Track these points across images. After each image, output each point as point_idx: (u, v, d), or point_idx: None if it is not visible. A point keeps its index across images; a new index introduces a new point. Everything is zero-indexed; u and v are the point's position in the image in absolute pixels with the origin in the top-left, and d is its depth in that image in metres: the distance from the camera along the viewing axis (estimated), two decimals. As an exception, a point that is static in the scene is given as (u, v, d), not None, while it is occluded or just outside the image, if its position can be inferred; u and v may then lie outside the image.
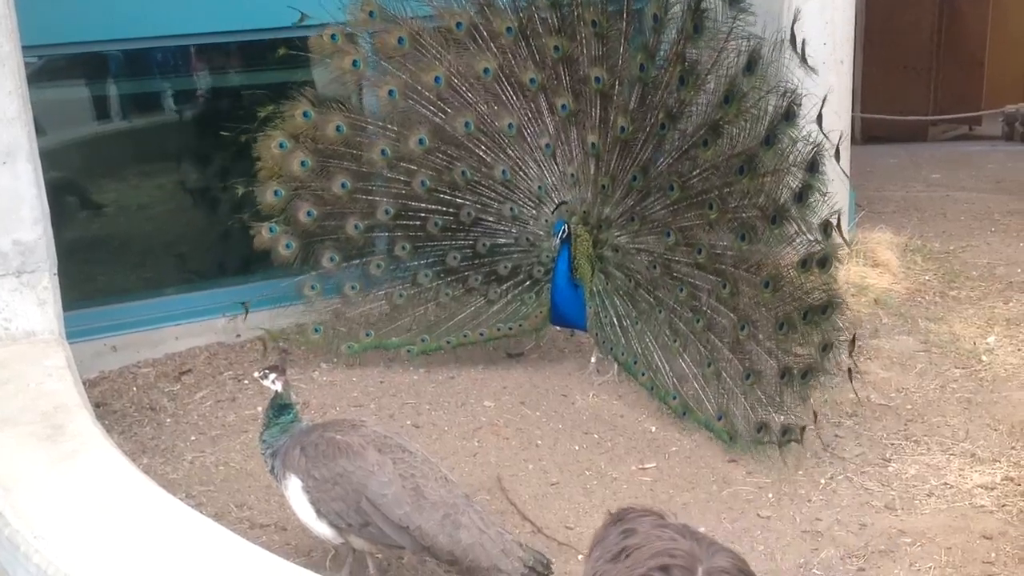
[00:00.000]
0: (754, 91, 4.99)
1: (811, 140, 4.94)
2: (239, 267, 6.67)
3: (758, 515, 4.64)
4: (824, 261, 4.93)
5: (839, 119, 7.17)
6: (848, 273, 7.04)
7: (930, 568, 4.17)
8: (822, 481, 4.87)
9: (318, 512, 3.71)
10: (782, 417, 4.87)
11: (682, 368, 5.25)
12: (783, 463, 4.96)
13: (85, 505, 3.42)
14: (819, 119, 4.98)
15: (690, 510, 4.67)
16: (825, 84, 6.95)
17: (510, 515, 4.61)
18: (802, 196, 4.94)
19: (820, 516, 4.61)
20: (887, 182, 9.78)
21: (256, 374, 4.10)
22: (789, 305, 4.92)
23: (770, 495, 4.77)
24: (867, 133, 13.09)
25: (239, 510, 4.56)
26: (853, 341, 4.97)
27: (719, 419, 5.04)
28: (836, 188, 7.07)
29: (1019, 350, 6.02)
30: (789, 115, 4.92)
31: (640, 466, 5.02)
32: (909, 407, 5.46)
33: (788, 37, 5.00)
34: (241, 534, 3.91)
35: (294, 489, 3.76)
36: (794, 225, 4.96)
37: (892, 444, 5.14)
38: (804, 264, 4.94)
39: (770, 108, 4.97)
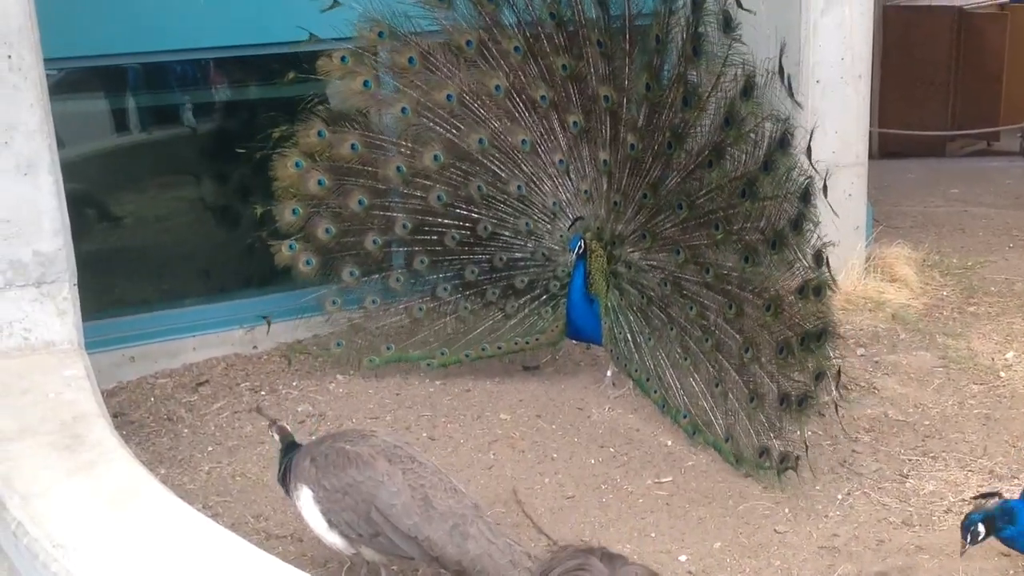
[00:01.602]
0: (751, 116, 5.01)
1: (804, 170, 4.95)
2: (256, 279, 6.70)
3: (775, 530, 4.62)
4: (819, 289, 4.92)
5: (857, 135, 7.18)
6: (866, 288, 7.03)
7: (948, 585, 4.15)
8: (839, 497, 4.85)
9: (329, 522, 3.74)
10: (780, 443, 4.84)
11: (692, 387, 5.24)
12: (800, 478, 4.94)
13: (103, 515, 3.44)
14: (808, 151, 4.99)
15: (706, 524, 4.66)
16: (842, 99, 7.00)
17: (526, 528, 4.61)
18: (797, 224, 4.93)
19: (837, 532, 4.59)
20: (905, 197, 9.74)
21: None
22: (788, 330, 4.91)
23: (787, 510, 4.75)
24: (885, 148, 13.05)
25: (256, 521, 4.58)
26: (839, 374, 4.92)
27: (726, 440, 5.03)
28: (851, 208, 7.14)
29: (1038, 366, 5.99)
30: (784, 143, 4.94)
31: (656, 480, 5.01)
32: (927, 423, 5.43)
33: (776, 68, 5.00)
34: (257, 545, 3.90)
35: (306, 500, 3.80)
36: (792, 252, 4.96)
37: (910, 460, 5.11)
38: (801, 291, 4.94)
39: (767, 134, 4.97)
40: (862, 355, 6.20)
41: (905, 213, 9.07)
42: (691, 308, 5.30)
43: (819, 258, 4.96)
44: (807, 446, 4.84)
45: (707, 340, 5.20)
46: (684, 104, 5.25)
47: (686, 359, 5.28)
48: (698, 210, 5.28)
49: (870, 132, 12.61)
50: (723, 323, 5.15)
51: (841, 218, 7.08)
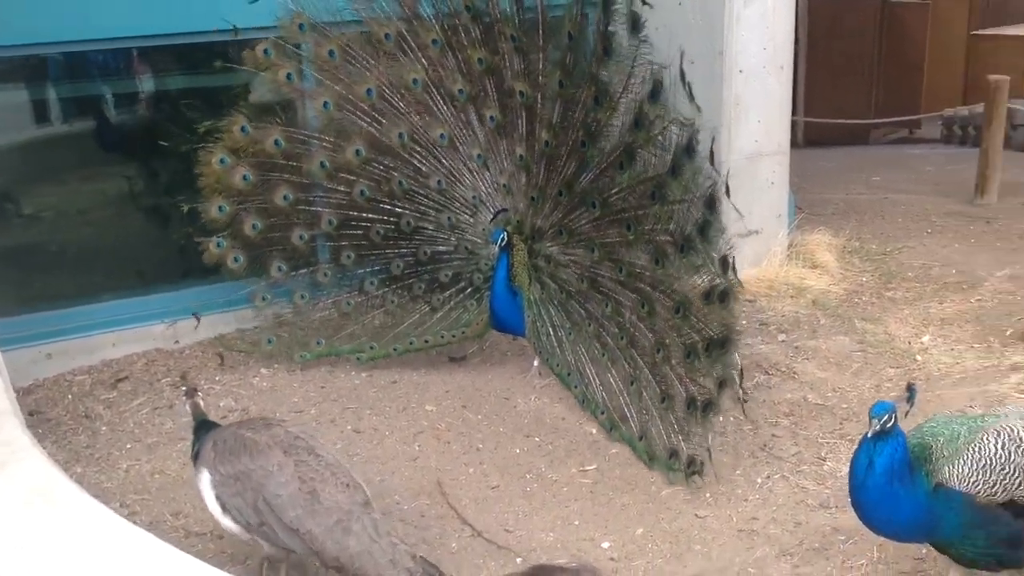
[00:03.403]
0: (659, 120, 5.05)
1: (708, 176, 4.99)
2: (178, 273, 6.60)
3: (696, 515, 4.67)
4: (724, 296, 4.97)
5: (780, 123, 7.28)
6: (788, 275, 7.14)
7: (862, 565, 4.22)
8: (759, 480, 4.91)
9: (223, 507, 3.77)
10: (688, 446, 4.89)
11: (610, 383, 5.28)
12: (721, 463, 5.01)
13: (14, 516, 3.36)
14: (711, 157, 5.03)
15: (629, 511, 4.70)
16: (765, 88, 7.10)
17: (450, 519, 4.61)
18: (704, 230, 4.98)
19: (756, 515, 4.65)
20: (828, 185, 9.92)
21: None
22: (695, 334, 4.96)
23: (708, 495, 4.81)
24: (810, 137, 13.27)
25: (174, 519, 4.53)
26: (741, 374, 4.98)
27: (641, 439, 5.07)
28: (774, 195, 7.25)
29: (952, 349, 6.12)
30: (689, 149, 4.98)
31: (581, 468, 5.04)
32: (845, 406, 5.53)
33: (678, 73, 5.03)
34: (176, 543, 3.88)
35: (204, 483, 3.82)
36: (700, 256, 5.02)
37: (828, 443, 5.19)
38: (708, 296, 4.99)
39: (674, 139, 5.01)
40: (783, 341, 6.30)
41: (828, 200, 9.23)
42: (607, 304, 5.34)
43: (725, 264, 5.00)
44: (710, 453, 4.85)
45: (622, 337, 5.24)
46: (596, 103, 5.29)
47: (604, 355, 5.33)
48: (611, 209, 5.32)
49: (796, 121, 12.85)
50: (637, 321, 5.19)
51: (763, 206, 7.23)
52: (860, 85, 13.60)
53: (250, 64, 5.68)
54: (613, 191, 5.27)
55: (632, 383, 5.16)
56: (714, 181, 4.98)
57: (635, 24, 5.13)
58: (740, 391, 4.96)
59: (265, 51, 5.65)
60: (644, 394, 5.09)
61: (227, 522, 3.78)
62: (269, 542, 3.76)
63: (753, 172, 7.15)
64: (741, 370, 5.00)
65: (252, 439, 3.78)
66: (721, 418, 5.40)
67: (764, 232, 7.24)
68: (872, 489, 3.43)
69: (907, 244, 7.96)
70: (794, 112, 13.14)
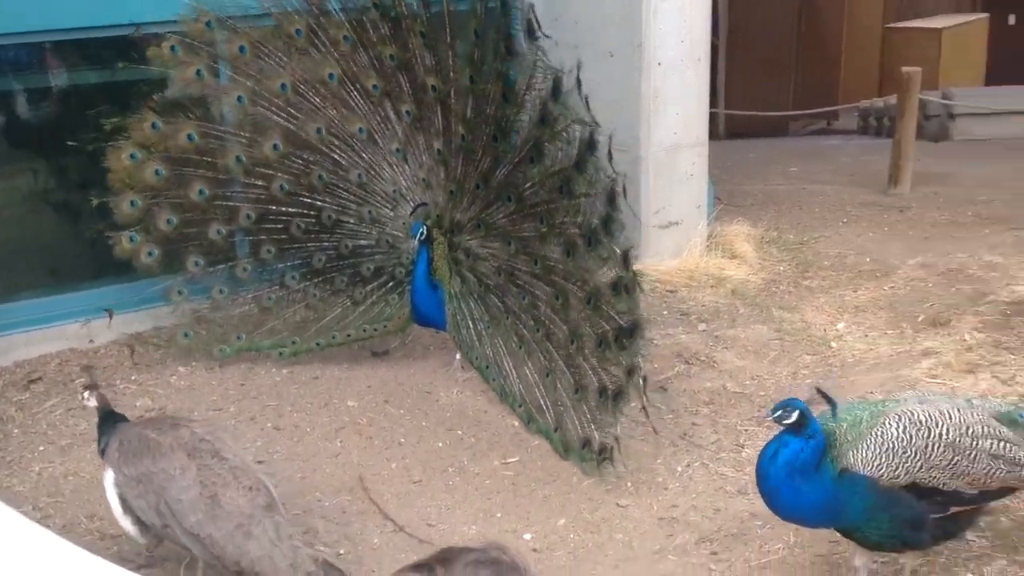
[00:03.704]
0: (562, 117, 5.10)
1: (609, 173, 5.04)
2: (93, 271, 6.46)
3: (617, 504, 4.71)
4: (629, 287, 5.03)
5: (698, 116, 7.37)
6: (707, 265, 7.24)
7: (779, 549, 4.29)
8: (679, 469, 4.97)
9: (125, 508, 3.76)
10: (600, 435, 4.93)
11: (527, 376, 5.31)
12: (642, 452, 5.06)
13: (-86, 523, 3.26)
14: (608, 155, 5.07)
15: (551, 502, 4.72)
16: (683, 81, 7.17)
17: (372, 515, 4.59)
18: (606, 224, 5.03)
19: (676, 503, 4.71)
20: (747, 176, 10.06)
21: (81, 398, 4.16)
22: (606, 324, 5.01)
23: (629, 484, 4.85)
24: (731, 129, 13.47)
25: (89, 521, 4.44)
26: (639, 377, 4.98)
27: (556, 430, 5.10)
28: (693, 187, 7.33)
29: (866, 336, 6.25)
30: (592, 144, 5.03)
31: (503, 461, 5.06)
32: (763, 394, 5.62)
33: (576, 82, 5.06)
34: (89, 546, 3.80)
35: (108, 482, 3.81)
36: (606, 249, 5.06)
37: (746, 430, 5.27)
38: (615, 287, 5.04)
39: (577, 136, 5.06)
40: (703, 330, 6.38)
41: (747, 191, 9.37)
42: (524, 297, 5.37)
43: (626, 259, 5.05)
44: (618, 440, 4.87)
45: (538, 329, 5.27)
46: (504, 99, 5.32)
47: (521, 347, 5.35)
48: (525, 203, 5.36)
49: (717, 113, 13.02)
50: (552, 313, 5.23)
51: (683, 197, 7.32)
52: (779, 77, 13.83)
53: (156, 61, 5.59)
54: (526, 185, 5.31)
55: (548, 375, 5.19)
56: (613, 177, 5.01)
57: (531, 32, 5.17)
58: (642, 380, 4.98)
59: (172, 48, 5.57)
60: (559, 385, 5.12)
61: (126, 523, 3.77)
62: (176, 545, 3.75)
63: (672, 164, 7.23)
64: (638, 364, 4.99)
65: (156, 440, 3.75)
66: (637, 407, 5.49)
67: (684, 223, 7.33)
68: (773, 480, 3.51)
69: (823, 234, 8.12)
70: (715, 104, 13.36)
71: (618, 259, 5.00)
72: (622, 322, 4.90)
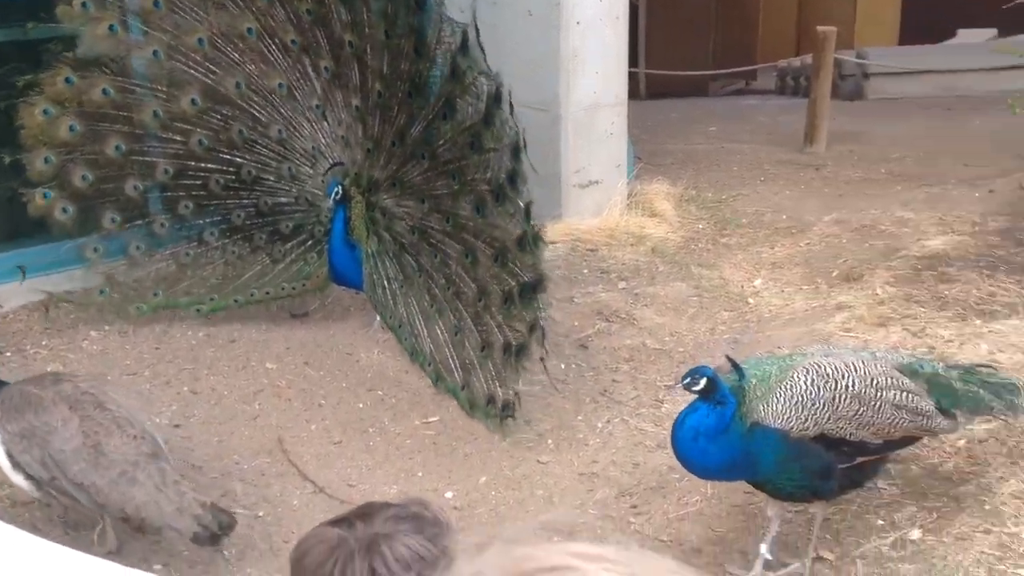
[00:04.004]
0: (470, 71, 5.08)
1: (513, 127, 5.05)
2: (5, 231, 6.26)
3: (538, 461, 4.75)
4: (535, 241, 5.04)
5: (617, 75, 7.37)
6: (628, 224, 7.28)
7: (696, 501, 4.38)
8: (599, 425, 5.03)
9: (14, 464, 3.78)
10: (503, 391, 4.95)
11: (438, 335, 5.31)
12: (563, 409, 5.10)
13: None
14: (510, 108, 5.05)
15: (472, 460, 4.75)
16: (602, 40, 7.16)
17: (291, 477, 4.58)
18: (512, 179, 5.04)
19: (597, 459, 4.76)
20: (667, 136, 10.12)
21: None
22: (512, 279, 5.03)
23: (549, 442, 4.89)
24: (652, 89, 13.51)
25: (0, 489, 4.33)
26: (540, 331, 5.01)
27: (463, 388, 5.11)
28: (613, 146, 7.35)
29: (782, 292, 6.36)
30: (498, 98, 5.02)
31: (424, 420, 5.06)
32: (681, 350, 5.69)
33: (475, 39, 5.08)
34: (2, 514, 3.76)
35: None
36: (512, 205, 5.08)
37: (665, 386, 5.34)
38: (520, 243, 5.06)
39: (485, 89, 5.05)
40: (623, 288, 6.42)
41: (667, 151, 9.43)
42: (436, 256, 5.36)
43: (527, 212, 5.06)
44: (518, 396, 4.90)
45: (449, 288, 5.28)
46: (417, 54, 5.27)
47: (433, 306, 5.35)
48: (438, 160, 5.34)
49: (638, 73, 13.05)
50: (462, 272, 5.23)
51: (603, 156, 7.33)
52: (698, 37, 13.88)
53: (66, 18, 5.41)
54: (439, 142, 5.29)
55: (457, 333, 5.20)
56: (516, 130, 5.01)
57: None
58: (542, 335, 5.01)
59: (83, 4, 5.40)
60: (467, 344, 5.13)
61: (18, 479, 3.80)
62: (66, 497, 3.77)
63: (592, 123, 7.23)
64: (539, 320, 5.02)
65: (37, 395, 3.79)
66: (563, 365, 5.53)
67: (604, 182, 7.34)
68: (681, 444, 3.59)
69: (741, 192, 8.21)
70: (636, 64, 13.39)
71: (520, 213, 5.00)
72: (526, 277, 4.92)
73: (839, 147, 9.52)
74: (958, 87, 11.77)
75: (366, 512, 1.78)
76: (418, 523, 1.75)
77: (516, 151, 5.02)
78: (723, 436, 3.49)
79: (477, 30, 5.05)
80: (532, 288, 4.95)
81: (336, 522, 1.77)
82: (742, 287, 6.45)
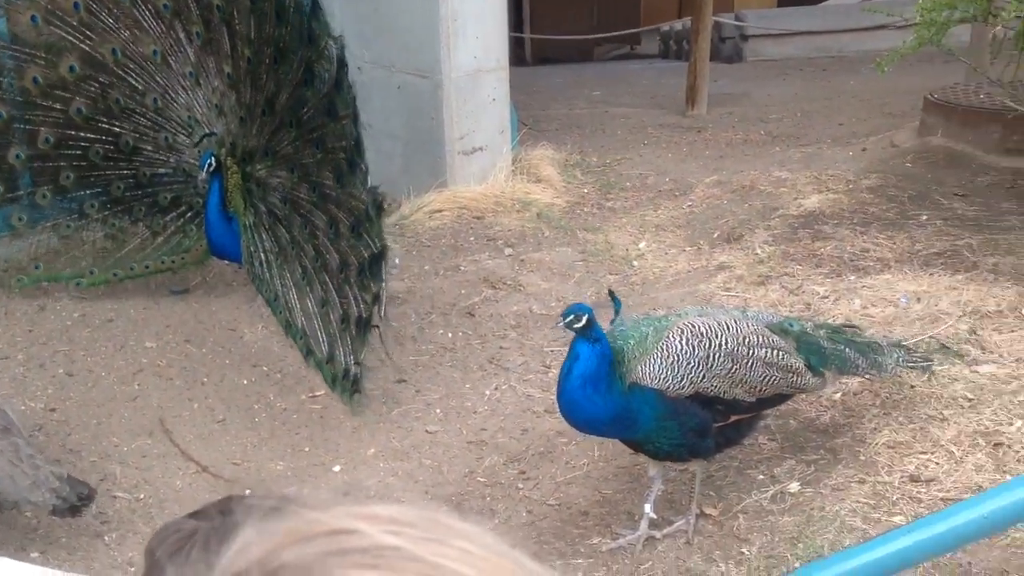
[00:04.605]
0: (322, 35, 5.00)
1: (353, 93, 4.98)
2: None
3: (426, 431, 4.74)
4: (378, 211, 5.01)
5: (498, 39, 7.34)
6: (513, 190, 7.28)
7: (584, 464, 4.42)
8: (487, 392, 5.04)
9: None
10: (356, 366, 4.89)
11: (309, 308, 5.23)
12: (452, 379, 5.10)
13: None
14: (345, 68, 4.98)
15: (360, 433, 4.72)
16: (481, 4, 7.12)
17: (173, 457, 4.48)
18: (358, 145, 4.99)
19: (485, 426, 4.77)
20: (552, 101, 10.15)
21: None
22: (365, 251, 4.99)
23: (438, 411, 4.89)
24: (538, 54, 13.54)
25: None
26: (381, 302, 4.99)
27: (328, 362, 5.02)
28: (496, 112, 7.33)
29: (666, 254, 6.45)
30: (342, 62, 4.96)
31: (310, 395, 5.01)
32: (568, 315, 5.72)
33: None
34: None
35: None
36: (359, 174, 5.03)
37: (552, 351, 5.36)
38: (368, 214, 5.02)
39: (335, 54, 4.99)
40: (509, 255, 6.44)
41: (552, 116, 9.46)
42: (306, 227, 5.28)
43: (364, 179, 5.01)
44: (361, 366, 4.83)
45: (318, 260, 5.21)
46: (278, 18, 5.18)
47: (304, 279, 5.27)
48: (304, 128, 5.25)
49: (524, 38, 13.06)
50: (328, 242, 5.17)
51: (487, 122, 7.31)
52: (583, 2, 13.94)
53: None
54: (304, 109, 5.21)
55: (323, 306, 5.13)
56: (354, 96, 4.96)
57: None
58: (383, 307, 4.98)
59: None
60: (331, 316, 5.07)
61: None
62: None
63: (474, 88, 7.20)
64: (381, 291, 4.98)
65: None
66: (451, 334, 5.53)
67: (488, 148, 7.33)
68: (569, 393, 3.59)
69: (625, 156, 8.29)
70: (521, 30, 13.38)
71: (361, 178, 4.97)
72: (375, 248, 4.89)
73: (720, 109, 9.68)
74: (832, 48, 12.07)
75: (226, 504, 1.75)
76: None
77: (356, 117, 4.95)
78: (608, 390, 3.52)
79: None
80: (375, 260, 4.91)
81: (194, 514, 1.74)
82: (627, 250, 6.52)
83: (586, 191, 7.52)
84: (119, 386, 4.96)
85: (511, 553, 0.66)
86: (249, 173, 5.49)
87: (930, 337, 4.66)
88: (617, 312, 3.73)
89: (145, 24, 5.52)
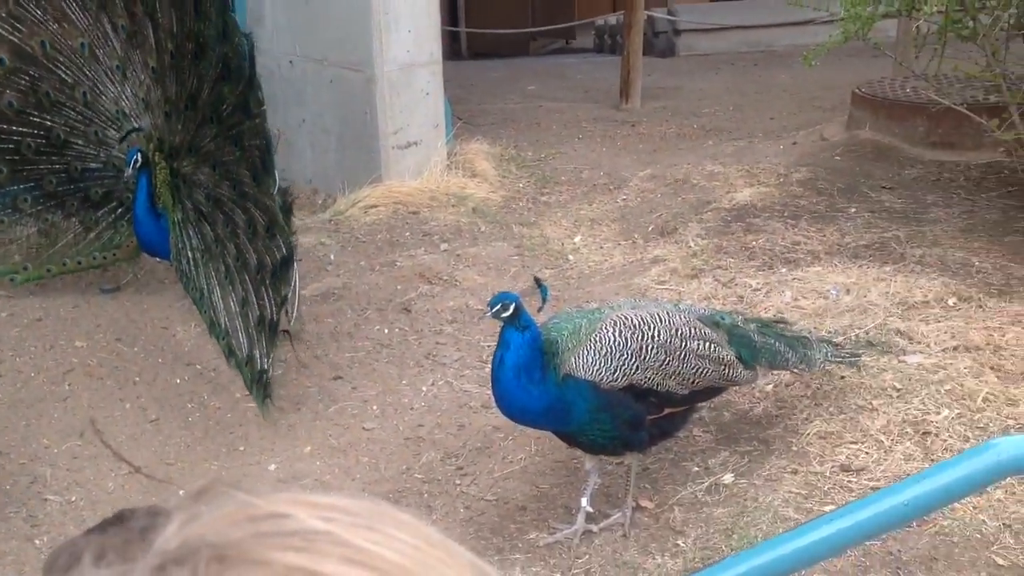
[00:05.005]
0: (235, 31, 4.98)
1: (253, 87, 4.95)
2: None
3: (363, 428, 4.73)
4: (288, 213, 4.98)
5: (430, 33, 7.32)
6: (448, 185, 7.28)
7: (521, 459, 4.44)
8: (424, 388, 5.03)
9: None
10: (270, 369, 4.84)
11: (231, 307, 5.18)
12: (388, 375, 5.09)
13: None
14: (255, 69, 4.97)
15: (296, 431, 4.69)
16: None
17: (105, 459, 4.43)
18: (268, 146, 4.96)
19: (422, 423, 4.77)
20: (487, 95, 10.14)
21: None
22: (278, 252, 4.94)
23: (375, 408, 4.88)
24: (473, 49, 13.49)
25: None
26: (286, 305, 4.98)
27: (247, 363, 4.95)
28: (430, 106, 7.31)
29: (601, 247, 6.49)
30: (251, 58, 4.93)
31: (246, 393, 4.94)
32: (502, 308, 5.74)
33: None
34: None
35: None
36: (271, 174, 4.98)
37: (488, 347, 5.31)
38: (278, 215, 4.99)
39: (247, 50, 4.94)
40: (445, 250, 6.43)
41: (487, 111, 9.46)
42: (227, 225, 5.23)
43: (273, 180, 4.98)
44: (267, 371, 4.77)
45: (239, 258, 5.16)
46: (196, 12, 5.14)
47: (227, 278, 5.22)
48: (224, 124, 5.22)
49: (460, 32, 13.03)
50: (247, 241, 5.12)
51: (421, 117, 7.29)
52: (518, -4, 13.90)
53: None
54: (223, 105, 5.18)
55: (243, 306, 5.08)
56: (260, 87, 4.95)
57: None
58: (293, 311, 4.99)
59: None
60: (251, 316, 5.02)
61: None
62: None
63: (408, 83, 7.17)
64: (288, 293, 4.96)
65: None
66: (387, 330, 5.51)
67: (423, 143, 7.31)
68: (503, 383, 3.61)
69: (560, 150, 8.32)
70: (456, 23, 13.35)
71: (274, 182, 4.93)
72: (284, 251, 4.87)
73: (653, 103, 9.76)
74: (763, 42, 12.22)
75: (119, 518, 1.72)
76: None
77: (263, 116, 4.93)
78: (542, 381, 3.55)
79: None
80: (286, 263, 4.88)
81: (91, 530, 1.71)
82: (562, 244, 6.56)
83: (521, 185, 7.54)
84: (49, 386, 4.88)
85: (444, 543, 0.66)
86: (176, 169, 5.44)
87: (859, 331, 4.76)
88: (544, 300, 3.76)
89: (72, 16, 5.47)
